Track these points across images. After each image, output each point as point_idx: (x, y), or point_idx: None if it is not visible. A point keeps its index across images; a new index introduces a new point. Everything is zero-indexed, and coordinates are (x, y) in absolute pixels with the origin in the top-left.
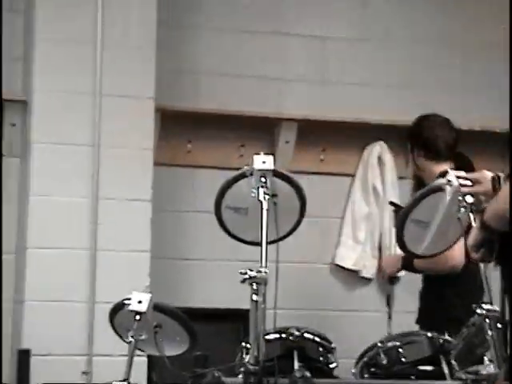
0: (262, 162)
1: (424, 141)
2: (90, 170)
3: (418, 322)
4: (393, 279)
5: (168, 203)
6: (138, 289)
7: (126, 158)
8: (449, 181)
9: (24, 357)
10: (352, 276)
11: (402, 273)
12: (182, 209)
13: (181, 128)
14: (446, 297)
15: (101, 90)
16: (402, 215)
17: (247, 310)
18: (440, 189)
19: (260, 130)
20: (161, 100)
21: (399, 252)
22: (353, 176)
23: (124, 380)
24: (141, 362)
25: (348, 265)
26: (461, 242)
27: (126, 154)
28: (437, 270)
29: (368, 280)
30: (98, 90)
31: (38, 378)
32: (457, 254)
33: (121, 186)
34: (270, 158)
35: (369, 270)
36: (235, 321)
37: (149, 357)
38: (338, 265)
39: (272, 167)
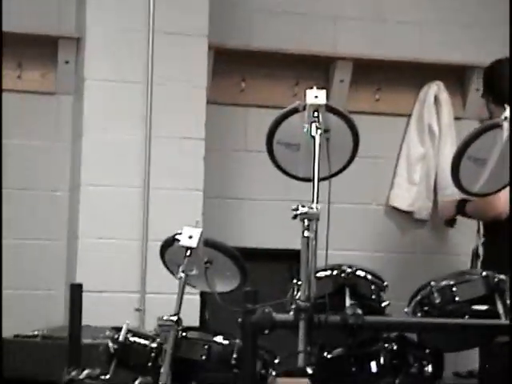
0: (315, 96)
1: (492, 84)
2: (142, 107)
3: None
4: (450, 222)
5: (220, 142)
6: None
7: (179, 96)
8: (506, 117)
9: (76, 291)
10: (406, 217)
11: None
12: (235, 148)
13: (234, 66)
14: (496, 243)
15: (154, 27)
16: (457, 152)
17: (299, 251)
18: (497, 125)
19: (315, 68)
20: (214, 37)
21: (455, 192)
22: (408, 116)
23: (174, 315)
24: (194, 300)
25: (402, 206)
26: (506, 191)
27: (179, 91)
28: (482, 217)
29: (422, 222)
30: (151, 27)
31: (91, 314)
32: (501, 202)
33: (174, 124)
34: (323, 92)
35: (423, 211)
36: (287, 261)
37: (201, 296)
38: (392, 206)
39: (325, 102)
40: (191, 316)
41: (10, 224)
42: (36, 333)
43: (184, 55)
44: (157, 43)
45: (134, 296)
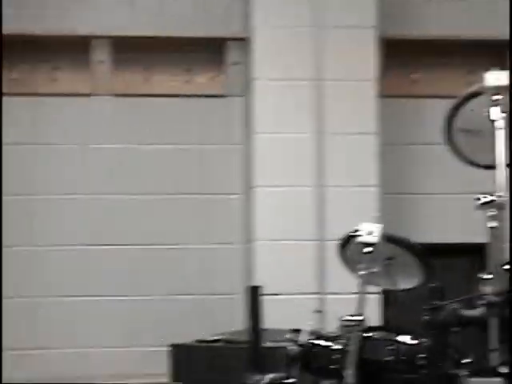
0: (496, 78)
1: None
2: (313, 104)
3: None
4: None
5: (395, 136)
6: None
7: (350, 91)
8: None
9: (254, 293)
10: None
11: None
12: (410, 141)
13: (405, 57)
14: None
15: (322, 22)
16: None
17: (483, 244)
18: None
19: (488, 54)
20: (383, 29)
21: None
22: None
23: (357, 314)
24: (374, 298)
25: None
26: None
27: (349, 86)
28: None
29: None
30: (319, 23)
31: (270, 318)
32: None
33: (346, 120)
34: (505, 73)
35: None
36: (468, 255)
37: (382, 293)
38: None
39: (507, 83)
40: (372, 315)
41: (189, 230)
42: (217, 337)
43: (353, 48)
44: (324, 38)
45: (312, 297)
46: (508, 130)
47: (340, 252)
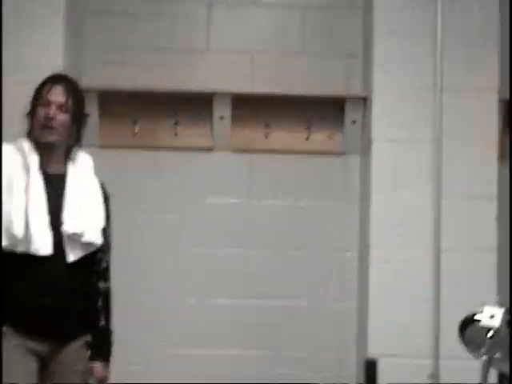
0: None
1: None
2: (432, 166)
3: None
4: None
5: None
6: (483, 289)
7: (470, 153)
8: None
9: (372, 367)
10: None
11: None
12: None
13: None
14: None
15: (441, 84)
16: None
17: None
18: None
19: None
20: (504, 90)
21: None
22: None
23: None
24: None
25: None
26: None
27: (470, 148)
28: None
29: None
30: (438, 84)
31: (383, 380)
32: None
33: (465, 183)
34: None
35: None
36: None
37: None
38: None
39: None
40: None
41: (303, 286)
42: None
43: (473, 111)
44: (446, 99)
45: (427, 361)
46: None
47: (461, 332)
